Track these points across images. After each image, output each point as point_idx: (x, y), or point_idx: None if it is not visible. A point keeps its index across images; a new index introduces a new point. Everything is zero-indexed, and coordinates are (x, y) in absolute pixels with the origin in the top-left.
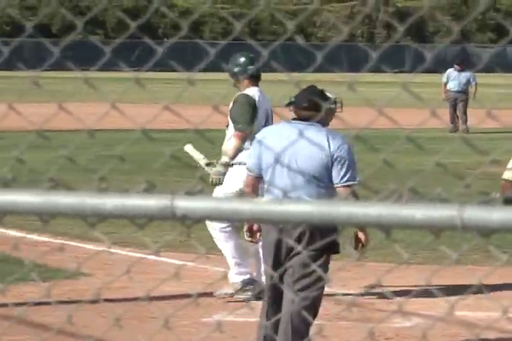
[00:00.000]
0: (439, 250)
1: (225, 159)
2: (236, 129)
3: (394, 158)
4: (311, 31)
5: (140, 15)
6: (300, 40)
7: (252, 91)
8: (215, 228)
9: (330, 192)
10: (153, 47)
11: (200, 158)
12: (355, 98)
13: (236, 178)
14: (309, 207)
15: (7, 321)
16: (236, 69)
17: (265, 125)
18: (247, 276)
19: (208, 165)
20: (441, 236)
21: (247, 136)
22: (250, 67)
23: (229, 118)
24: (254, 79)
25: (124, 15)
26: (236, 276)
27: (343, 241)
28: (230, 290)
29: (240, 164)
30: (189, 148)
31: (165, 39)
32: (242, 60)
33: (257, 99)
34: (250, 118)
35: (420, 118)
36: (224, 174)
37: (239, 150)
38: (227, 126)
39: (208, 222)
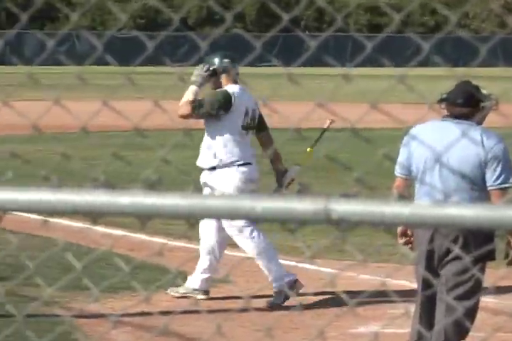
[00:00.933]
0: None
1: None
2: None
3: None
4: (464, 23)
5: (281, 5)
6: (463, 33)
7: (232, 88)
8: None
9: (483, 196)
10: (307, 41)
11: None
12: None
13: (225, 181)
14: (473, 211)
15: (147, 332)
16: (212, 67)
17: (244, 123)
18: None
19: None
20: None
21: (193, 116)
22: (225, 60)
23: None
24: (232, 75)
25: (276, 7)
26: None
27: (500, 247)
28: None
29: (225, 167)
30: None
31: (307, 32)
32: (216, 57)
33: (235, 95)
34: (214, 106)
35: None
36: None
37: (183, 102)
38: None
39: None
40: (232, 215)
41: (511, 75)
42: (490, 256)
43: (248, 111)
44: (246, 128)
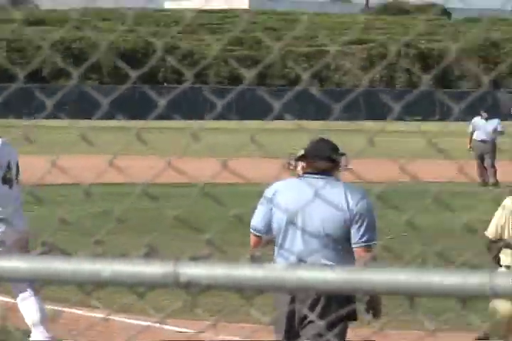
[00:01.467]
0: (467, 316)
1: None
2: None
3: (419, 216)
4: (326, 75)
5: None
6: (315, 90)
7: None
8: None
9: (349, 255)
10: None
11: None
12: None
13: None
14: (327, 274)
15: None
16: None
17: (4, 177)
18: None
19: None
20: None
21: None
22: None
23: None
24: None
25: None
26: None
27: (360, 307)
28: None
29: None
30: None
31: (165, 84)
32: None
33: None
34: None
35: (442, 169)
36: None
37: None
38: None
39: None
40: (78, 279)
41: (373, 131)
42: (352, 316)
43: (11, 165)
44: (7, 181)
